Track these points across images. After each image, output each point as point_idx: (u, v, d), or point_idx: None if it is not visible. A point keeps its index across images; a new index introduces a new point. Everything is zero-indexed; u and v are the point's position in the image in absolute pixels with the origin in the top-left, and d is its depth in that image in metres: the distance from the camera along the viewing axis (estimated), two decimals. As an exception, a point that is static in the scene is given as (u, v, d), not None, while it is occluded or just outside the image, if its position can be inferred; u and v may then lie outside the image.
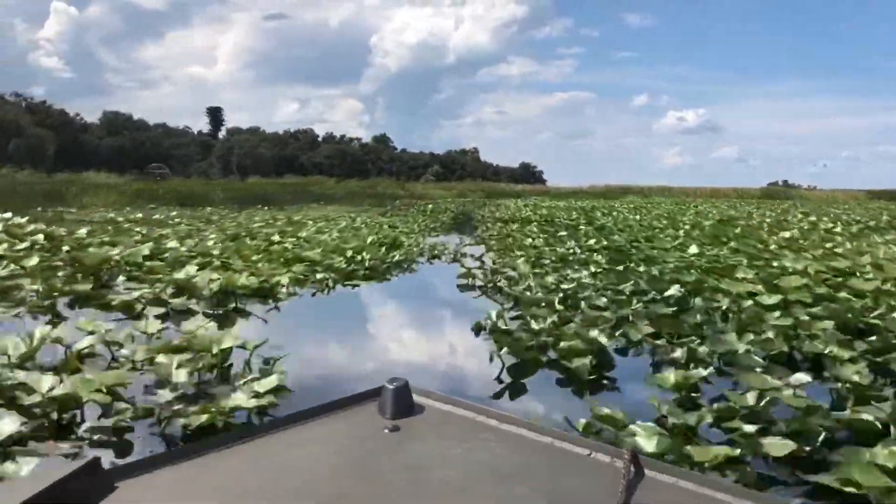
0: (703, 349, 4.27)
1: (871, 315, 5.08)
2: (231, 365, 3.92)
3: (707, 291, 6.21)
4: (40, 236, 9.72)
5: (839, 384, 3.68)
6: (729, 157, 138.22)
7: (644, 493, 1.05)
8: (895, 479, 2.37)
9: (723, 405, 3.19)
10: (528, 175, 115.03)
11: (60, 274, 6.96)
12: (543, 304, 5.71)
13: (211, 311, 5.87)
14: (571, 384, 4.01)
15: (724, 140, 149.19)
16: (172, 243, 9.74)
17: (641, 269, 7.99)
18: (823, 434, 2.90)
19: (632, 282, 6.69)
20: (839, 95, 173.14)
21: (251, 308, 6.21)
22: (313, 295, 7.16)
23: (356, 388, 1.45)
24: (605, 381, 4.09)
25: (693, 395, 3.53)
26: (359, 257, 8.99)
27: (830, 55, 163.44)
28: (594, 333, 4.40)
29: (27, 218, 13.64)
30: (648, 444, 2.72)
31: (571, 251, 10.44)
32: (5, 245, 8.83)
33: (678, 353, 4.26)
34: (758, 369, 3.83)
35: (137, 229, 12.76)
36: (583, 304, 5.77)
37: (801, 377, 3.47)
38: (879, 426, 2.95)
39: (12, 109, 58.41)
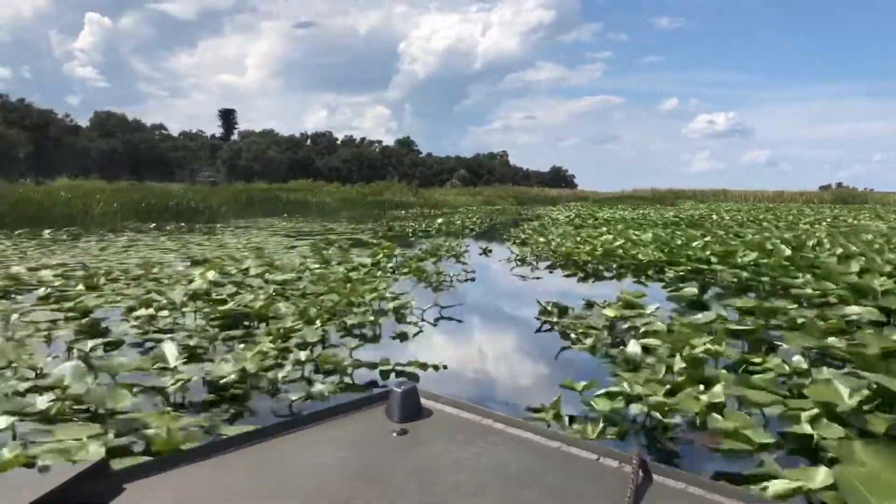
0: None
1: None
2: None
3: None
4: None
5: None
6: (759, 161, 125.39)
7: (652, 498, 1.04)
8: None
9: None
10: (558, 179, 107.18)
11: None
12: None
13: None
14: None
15: (754, 144, 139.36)
16: None
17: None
18: None
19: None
20: (870, 98, 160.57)
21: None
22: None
23: None
24: None
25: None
26: None
27: (861, 58, 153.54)
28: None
29: None
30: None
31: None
32: None
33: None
34: None
35: None
36: None
37: None
38: None
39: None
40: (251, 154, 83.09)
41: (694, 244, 10.88)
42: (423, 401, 1.38)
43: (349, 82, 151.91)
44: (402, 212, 28.99)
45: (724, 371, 3.54)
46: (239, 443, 1.22)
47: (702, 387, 3.17)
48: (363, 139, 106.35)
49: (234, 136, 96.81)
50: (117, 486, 1.03)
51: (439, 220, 20.76)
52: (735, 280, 7.54)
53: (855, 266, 7.01)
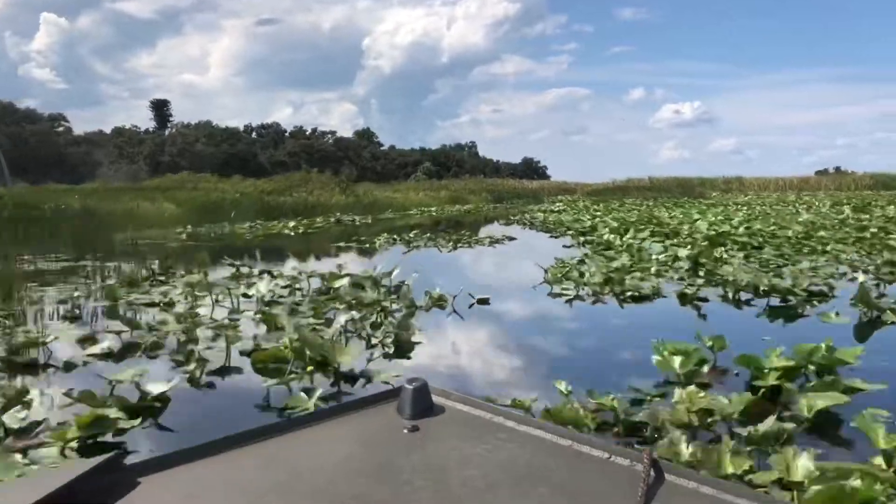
0: None
1: None
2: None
3: None
4: None
5: None
6: (726, 150, 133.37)
7: (664, 498, 1.03)
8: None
9: None
10: (530, 171, 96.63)
11: None
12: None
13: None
14: None
15: (721, 132, 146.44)
16: None
17: None
18: None
19: None
20: (833, 84, 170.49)
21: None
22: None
23: None
24: None
25: None
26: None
27: (823, 45, 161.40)
28: None
29: None
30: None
31: None
32: None
33: None
34: None
35: None
36: None
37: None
38: None
39: None
40: (176, 148, 70.52)
41: None
42: (434, 398, 1.38)
43: (314, 79, 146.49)
44: (292, 224, 17.89)
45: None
46: (250, 439, 1.21)
47: None
48: (314, 129, 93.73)
49: (170, 130, 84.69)
50: (131, 481, 1.04)
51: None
52: None
53: None
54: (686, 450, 2.53)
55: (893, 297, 6.40)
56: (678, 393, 3.21)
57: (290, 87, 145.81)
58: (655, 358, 3.90)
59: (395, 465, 1.12)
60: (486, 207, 29.87)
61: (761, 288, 6.59)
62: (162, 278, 8.23)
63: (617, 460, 1.14)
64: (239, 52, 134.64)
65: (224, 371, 4.29)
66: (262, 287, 6.65)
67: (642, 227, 14.41)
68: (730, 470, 2.41)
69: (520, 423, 1.29)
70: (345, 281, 6.96)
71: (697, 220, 16.27)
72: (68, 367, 4.44)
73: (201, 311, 5.99)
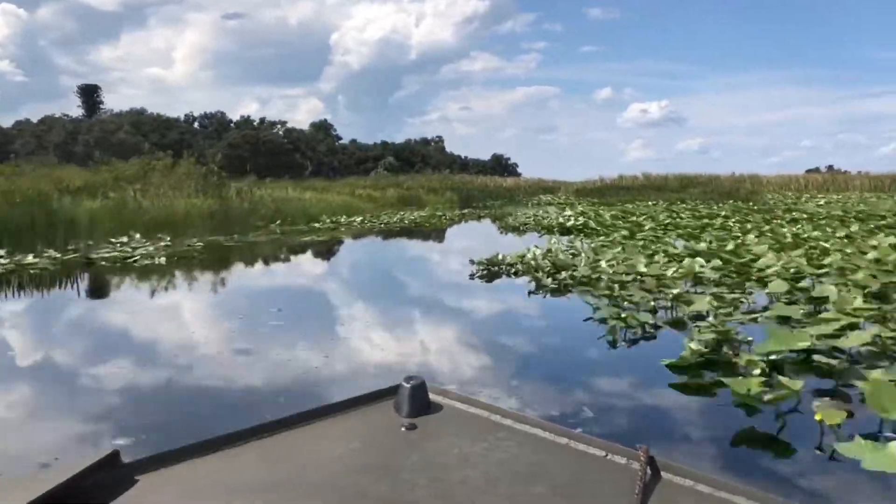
0: None
1: None
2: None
3: None
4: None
5: None
6: (692, 149, 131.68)
7: (660, 495, 1.03)
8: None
9: None
10: (500, 168, 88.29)
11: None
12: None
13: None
14: None
15: (687, 132, 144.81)
16: None
17: None
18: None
19: None
20: (798, 85, 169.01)
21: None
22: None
23: None
24: None
25: None
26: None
27: (789, 46, 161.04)
28: None
29: None
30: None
31: None
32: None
33: None
34: None
35: None
36: None
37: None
38: None
39: None
40: (92, 137, 60.27)
41: None
42: (431, 395, 1.37)
43: (281, 75, 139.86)
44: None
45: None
46: (249, 436, 1.21)
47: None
48: (262, 119, 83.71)
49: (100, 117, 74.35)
50: (129, 478, 1.03)
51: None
52: None
53: None
54: None
55: None
56: None
57: (257, 82, 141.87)
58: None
59: (393, 463, 1.10)
60: (449, 215, 20.86)
61: None
62: None
63: (614, 458, 1.14)
64: (205, 46, 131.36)
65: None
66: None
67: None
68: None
69: (517, 422, 1.29)
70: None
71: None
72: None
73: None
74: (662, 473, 1.07)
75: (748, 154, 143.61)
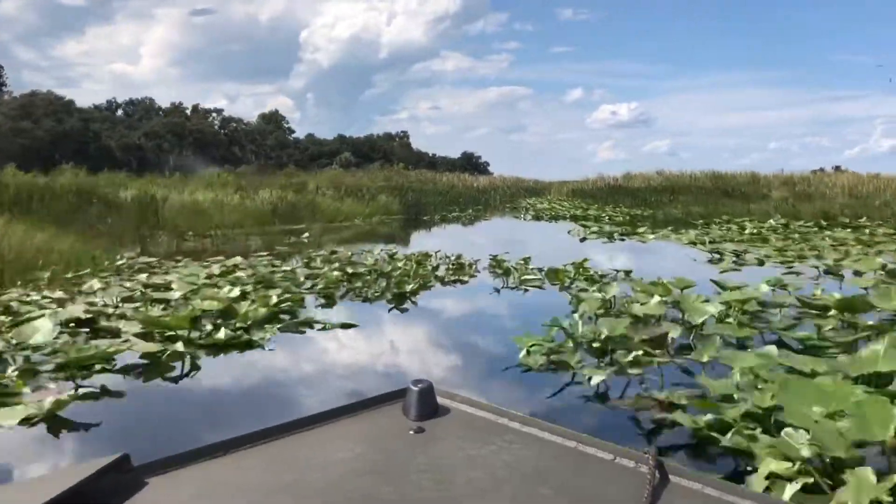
0: None
1: None
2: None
3: None
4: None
5: None
6: (661, 151, 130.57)
7: (669, 499, 1.03)
8: None
9: None
10: (471, 166, 77.74)
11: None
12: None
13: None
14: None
15: (656, 133, 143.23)
16: None
17: None
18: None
19: None
20: (766, 87, 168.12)
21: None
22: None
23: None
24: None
25: None
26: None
27: (756, 48, 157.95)
28: None
29: None
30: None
31: None
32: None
33: None
34: None
35: None
36: None
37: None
38: None
39: None
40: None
41: None
42: (439, 399, 1.37)
43: (251, 71, 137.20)
44: None
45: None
46: (257, 439, 1.21)
47: None
48: (195, 106, 71.49)
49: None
50: (139, 481, 1.03)
51: None
52: None
53: None
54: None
55: None
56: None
57: (225, 78, 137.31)
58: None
59: (401, 466, 1.11)
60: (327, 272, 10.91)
61: None
62: None
63: (622, 462, 1.14)
64: (173, 41, 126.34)
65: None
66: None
67: None
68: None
69: (524, 425, 1.29)
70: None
71: None
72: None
73: None
74: (671, 477, 1.07)
75: (718, 155, 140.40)
